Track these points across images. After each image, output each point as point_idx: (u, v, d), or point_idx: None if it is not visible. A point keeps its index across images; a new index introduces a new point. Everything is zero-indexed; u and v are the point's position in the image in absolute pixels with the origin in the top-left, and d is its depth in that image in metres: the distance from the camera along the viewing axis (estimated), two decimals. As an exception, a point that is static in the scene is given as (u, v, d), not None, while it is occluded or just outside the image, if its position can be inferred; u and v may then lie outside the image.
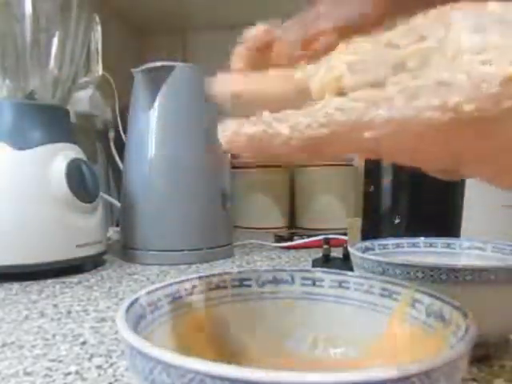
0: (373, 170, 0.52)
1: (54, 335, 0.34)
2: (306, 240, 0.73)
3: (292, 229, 1.00)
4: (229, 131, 0.17)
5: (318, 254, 0.59)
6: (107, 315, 0.39)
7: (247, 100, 0.18)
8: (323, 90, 0.16)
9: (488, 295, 0.27)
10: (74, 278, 0.53)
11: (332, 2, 0.18)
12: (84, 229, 0.57)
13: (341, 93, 0.15)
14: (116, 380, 0.27)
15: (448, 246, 0.38)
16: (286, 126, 0.16)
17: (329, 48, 0.17)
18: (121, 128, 0.89)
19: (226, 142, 0.17)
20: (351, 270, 0.31)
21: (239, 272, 0.25)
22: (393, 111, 0.13)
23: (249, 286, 0.25)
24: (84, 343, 0.32)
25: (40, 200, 0.53)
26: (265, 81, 0.18)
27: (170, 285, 0.23)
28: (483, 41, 0.12)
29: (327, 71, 0.16)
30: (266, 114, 0.16)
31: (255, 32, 0.19)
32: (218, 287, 0.24)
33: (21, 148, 0.53)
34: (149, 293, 0.21)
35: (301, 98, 0.17)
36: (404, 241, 0.39)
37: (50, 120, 0.56)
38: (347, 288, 0.24)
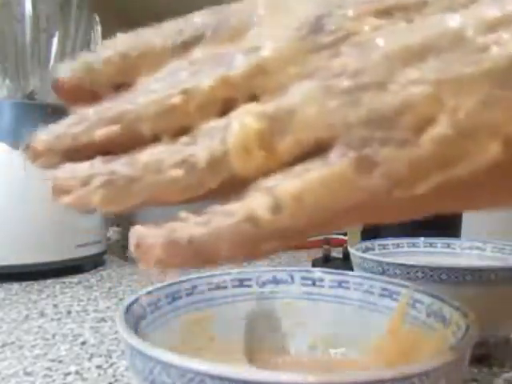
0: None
1: (53, 335, 0.34)
2: (306, 240, 0.73)
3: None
4: (155, 241, 0.13)
5: (318, 253, 0.59)
6: (107, 315, 0.39)
7: None
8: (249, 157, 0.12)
9: (488, 295, 0.27)
10: (74, 278, 0.53)
11: None
12: (84, 229, 0.56)
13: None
14: (116, 380, 0.27)
15: (448, 246, 0.38)
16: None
17: None
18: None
19: (157, 260, 0.13)
20: (351, 269, 0.31)
21: (239, 272, 0.25)
22: None
23: (249, 285, 0.25)
24: (84, 343, 0.32)
25: (40, 200, 0.53)
26: None
27: (170, 285, 0.23)
28: None
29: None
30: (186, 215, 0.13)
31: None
32: (218, 287, 0.24)
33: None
34: (149, 293, 0.21)
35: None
36: (404, 241, 0.39)
37: (51, 120, 0.56)
38: (347, 288, 0.24)
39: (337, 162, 0.11)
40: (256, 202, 0.12)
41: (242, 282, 0.25)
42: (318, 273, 0.25)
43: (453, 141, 0.10)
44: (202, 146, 0.13)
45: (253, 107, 0.12)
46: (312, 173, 0.11)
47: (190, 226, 0.13)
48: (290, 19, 0.13)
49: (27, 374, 0.27)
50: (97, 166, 0.14)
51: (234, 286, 0.25)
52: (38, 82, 0.59)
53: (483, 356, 0.28)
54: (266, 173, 0.12)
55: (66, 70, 0.16)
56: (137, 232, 0.14)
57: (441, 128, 0.10)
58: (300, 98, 0.12)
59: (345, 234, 0.66)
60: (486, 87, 0.10)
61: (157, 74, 0.14)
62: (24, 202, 0.52)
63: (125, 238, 0.66)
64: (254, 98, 0.13)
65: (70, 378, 0.27)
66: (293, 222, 0.12)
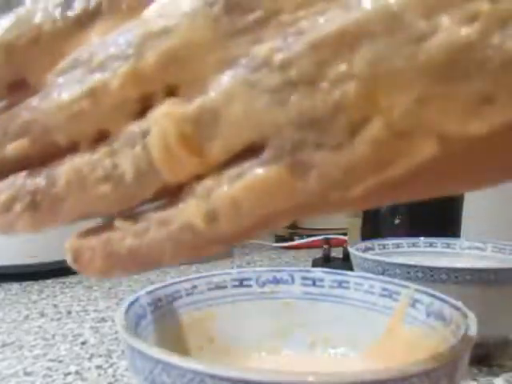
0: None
1: (53, 335, 0.34)
2: (306, 240, 0.73)
3: (292, 229, 1.00)
4: (94, 255, 0.13)
5: (318, 253, 0.59)
6: (107, 315, 0.39)
7: None
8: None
9: (488, 295, 0.27)
10: (74, 278, 0.53)
11: None
12: (84, 229, 0.57)
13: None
14: (116, 380, 0.27)
15: (448, 246, 0.38)
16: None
17: None
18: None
19: (97, 271, 0.13)
20: (351, 269, 0.31)
21: (239, 272, 0.25)
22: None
23: (249, 285, 0.25)
24: (84, 343, 0.32)
25: (40, 200, 0.53)
26: None
27: (170, 285, 0.23)
28: None
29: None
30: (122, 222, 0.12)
31: None
32: (218, 287, 0.24)
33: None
34: (149, 293, 0.21)
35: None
36: (404, 241, 0.39)
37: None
38: (347, 288, 0.24)
39: (271, 165, 0.11)
40: (191, 211, 0.11)
41: (241, 282, 0.25)
42: (318, 273, 0.25)
43: (387, 142, 0.10)
44: (124, 156, 0.12)
45: (172, 108, 0.11)
46: (247, 177, 0.11)
47: (127, 235, 0.12)
48: None
49: (27, 373, 0.27)
50: (16, 185, 0.13)
51: (234, 286, 0.25)
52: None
53: (483, 356, 0.28)
54: (200, 177, 0.11)
55: None
56: (73, 246, 0.13)
57: (374, 130, 0.10)
58: (222, 96, 0.11)
59: (345, 234, 0.66)
60: (420, 84, 0.09)
61: (54, 68, 0.12)
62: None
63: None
64: (172, 90, 0.11)
65: (69, 378, 0.27)
66: (230, 228, 0.11)
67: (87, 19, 0.12)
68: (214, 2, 0.11)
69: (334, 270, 0.25)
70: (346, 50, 0.10)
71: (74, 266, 0.13)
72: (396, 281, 0.23)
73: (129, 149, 0.11)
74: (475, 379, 0.26)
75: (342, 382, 0.13)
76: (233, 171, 0.11)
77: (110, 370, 0.28)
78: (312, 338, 0.24)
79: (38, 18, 0.12)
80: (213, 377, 0.13)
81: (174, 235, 0.12)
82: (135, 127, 0.11)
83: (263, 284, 0.25)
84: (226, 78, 0.11)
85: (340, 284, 0.24)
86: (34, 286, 0.49)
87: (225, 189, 0.11)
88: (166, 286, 0.22)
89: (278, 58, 0.10)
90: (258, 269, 0.25)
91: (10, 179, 0.13)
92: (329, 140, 0.10)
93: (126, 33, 0.11)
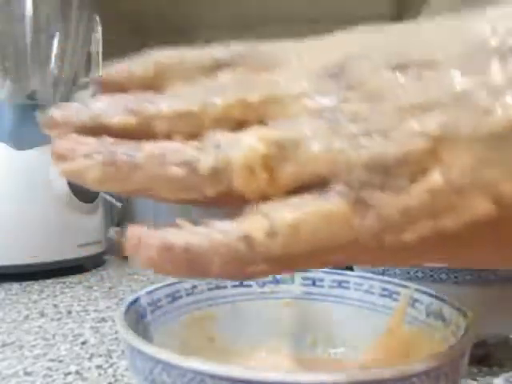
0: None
1: (54, 335, 0.34)
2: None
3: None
4: (151, 243, 0.13)
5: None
6: (107, 315, 0.39)
7: None
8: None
9: (488, 295, 0.27)
10: (74, 278, 0.53)
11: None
12: (84, 229, 0.57)
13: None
14: (116, 380, 0.27)
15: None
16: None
17: None
18: (121, 128, 0.89)
19: (149, 261, 0.13)
20: (351, 269, 0.31)
21: (239, 272, 0.25)
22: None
23: (249, 285, 0.25)
24: (84, 343, 0.32)
25: (40, 200, 0.53)
26: None
27: (170, 285, 0.23)
28: None
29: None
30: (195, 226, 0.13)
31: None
32: (218, 287, 0.24)
33: (21, 148, 0.53)
34: (149, 293, 0.21)
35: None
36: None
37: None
38: (347, 288, 0.24)
39: (335, 198, 0.12)
40: (253, 224, 0.12)
41: (241, 282, 0.25)
42: (318, 273, 0.25)
43: (443, 194, 0.11)
44: (208, 153, 0.13)
45: (264, 131, 0.13)
46: (310, 205, 0.12)
47: (187, 234, 0.13)
48: (313, 64, 0.14)
49: (27, 373, 0.27)
50: (103, 144, 0.14)
51: (234, 286, 0.25)
52: (38, 83, 0.59)
53: (483, 356, 0.28)
54: (264, 196, 0.13)
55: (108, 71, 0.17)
56: (134, 231, 0.14)
57: (433, 181, 0.11)
58: (308, 133, 0.12)
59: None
60: (483, 149, 0.11)
61: (184, 86, 0.15)
62: (24, 202, 0.52)
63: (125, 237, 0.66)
64: (263, 119, 0.13)
65: (70, 378, 0.27)
66: (285, 250, 0.12)
67: (221, 67, 0.15)
68: (320, 72, 0.13)
69: (334, 270, 0.25)
70: (420, 112, 0.11)
71: (129, 250, 0.14)
72: (396, 281, 0.23)
73: (215, 150, 0.13)
74: (475, 379, 0.26)
75: (342, 381, 0.13)
76: (297, 199, 0.12)
77: (110, 370, 0.28)
78: (312, 337, 0.24)
79: (188, 54, 0.17)
80: (213, 377, 0.13)
81: (230, 243, 0.12)
82: (226, 137, 0.13)
83: (263, 284, 0.25)
84: (314, 121, 0.13)
85: (340, 284, 0.24)
86: (34, 286, 0.49)
87: (289, 211, 0.12)
88: (166, 286, 0.22)
89: (364, 114, 0.12)
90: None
91: (101, 138, 0.14)
92: (392, 184, 0.11)
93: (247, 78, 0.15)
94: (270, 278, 0.25)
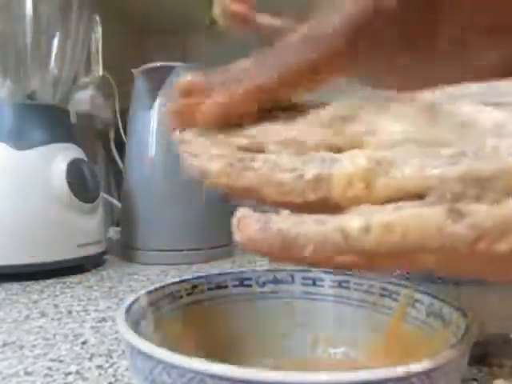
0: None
1: (54, 335, 0.34)
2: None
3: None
4: (252, 223, 0.15)
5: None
6: (107, 315, 0.39)
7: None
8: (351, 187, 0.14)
9: (488, 295, 0.27)
10: (75, 278, 0.53)
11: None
12: (84, 229, 0.57)
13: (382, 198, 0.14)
14: (116, 380, 0.27)
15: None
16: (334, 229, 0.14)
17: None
18: (121, 128, 0.89)
19: (248, 238, 0.15)
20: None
21: (239, 272, 0.25)
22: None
23: (249, 285, 0.25)
24: (84, 343, 0.32)
25: (40, 200, 0.53)
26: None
27: (170, 285, 0.23)
28: None
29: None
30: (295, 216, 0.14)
31: (184, 83, 0.18)
32: (218, 287, 0.24)
33: (21, 148, 0.53)
34: (149, 293, 0.21)
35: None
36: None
37: (51, 120, 0.56)
38: (347, 288, 0.24)
39: (430, 206, 0.13)
40: (349, 220, 0.13)
41: (242, 282, 0.25)
42: (318, 273, 0.25)
43: None
44: (313, 166, 0.15)
45: (363, 151, 0.15)
46: (405, 209, 0.13)
47: (285, 218, 0.14)
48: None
49: (28, 373, 0.27)
50: (227, 152, 0.17)
51: (234, 286, 0.25)
52: (38, 83, 0.59)
53: (483, 356, 0.28)
54: (359, 205, 0.14)
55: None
56: (241, 212, 0.15)
57: None
58: (404, 154, 0.14)
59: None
60: None
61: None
62: (24, 202, 0.52)
63: (125, 237, 0.66)
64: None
65: (70, 378, 0.27)
66: (377, 246, 0.13)
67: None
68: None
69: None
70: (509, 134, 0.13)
71: (234, 228, 0.15)
72: (396, 281, 0.23)
73: (319, 163, 0.15)
74: (475, 379, 0.26)
75: (341, 381, 0.13)
76: (392, 205, 0.13)
77: (111, 370, 0.28)
78: (312, 337, 0.24)
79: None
80: (213, 377, 0.13)
81: (326, 233, 0.13)
82: (329, 155, 0.15)
83: (263, 284, 0.25)
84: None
85: (340, 284, 0.24)
86: (35, 286, 0.49)
87: (384, 213, 0.13)
88: (166, 286, 0.22)
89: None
90: (257, 269, 0.25)
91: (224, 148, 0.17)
92: (488, 196, 0.12)
93: None
94: (270, 277, 0.25)
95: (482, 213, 0.12)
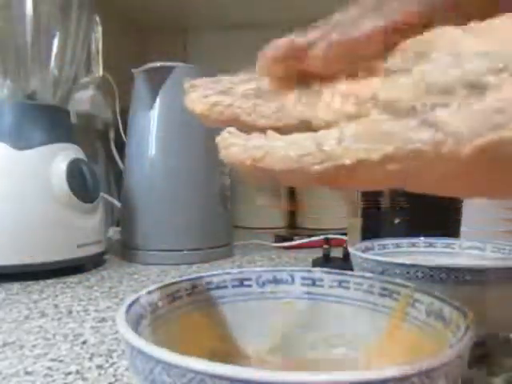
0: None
1: (54, 335, 0.34)
2: (306, 240, 0.73)
3: (292, 229, 1.00)
4: (234, 140, 0.16)
5: (318, 253, 0.59)
6: (107, 315, 0.39)
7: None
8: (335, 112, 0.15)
9: (488, 295, 0.27)
10: (75, 278, 0.53)
11: None
12: (84, 229, 0.57)
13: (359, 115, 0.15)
14: (116, 380, 0.27)
15: (448, 246, 0.38)
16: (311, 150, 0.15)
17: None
18: (121, 128, 0.89)
19: (229, 153, 0.16)
20: (351, 269, 0.31)
21: (239, 272, 0.25)
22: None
23: (249, 285, 0.25)
24: (84, 343, 0.32)
25: (40, 200, 0.53)
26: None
27: (170, 285, 0.23)
28: None
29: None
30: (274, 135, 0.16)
31: (283, 43, 0.18)
32: (218, 287, 0.24)
33: (21, 148, 0.53)
34: (149, 293, 0.21)
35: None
36: (404, 241, 0.39)
37: (51, 120, 0.56)
38: (347, 288, 0.24)
39: (400, 118, 0.13)
40: (326, 134, 0.14)
41: (241, 282, 0.25)
42: (318, 273, 0.25)
43: (502, 109, 0.11)
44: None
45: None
46: (374, 119, 0.14)
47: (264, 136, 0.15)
48: None
49: (28, 373, 0.28)
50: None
51: (234, 286, 0.25)
52: (38, 83, 0.59)
53: (483, 356, 0.28)
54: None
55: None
56: (227, 129, 0.16)
57: (489, 99, 0.12)
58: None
59: (345, 234, 0.66)
60: None
61: None
62: (24, 202, 0.52)
63: (125, 237, 0.66)
64: None
65: (70, 378, 0.27)
66: (349, 153, 0.14)
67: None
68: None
69: (334, 270, 0.25)
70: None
71: (220, 148, 0.16)
72: (396, 280, 0.23)
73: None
74: (475, 379, 0.26)
75: (342, 381, 0.13)
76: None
77: (111, 370, 0.28)
78: (312, 338, 0.24)
79: None
80: (213, 377, 0.13)
81: (297, 140, 0.15)
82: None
83: (263, 284, 0.25)
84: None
85: (340, 284, 0.24)
86: (35, 286, 0.49)
87: (357, 123, 0.14)
88: (165, 286, 0.22)
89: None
90: (257, 269, 0.25)
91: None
92: (452, 102, 0.12)
93: None
94: (270, 277, 0.25)
95: (445, 117, 0.12)
